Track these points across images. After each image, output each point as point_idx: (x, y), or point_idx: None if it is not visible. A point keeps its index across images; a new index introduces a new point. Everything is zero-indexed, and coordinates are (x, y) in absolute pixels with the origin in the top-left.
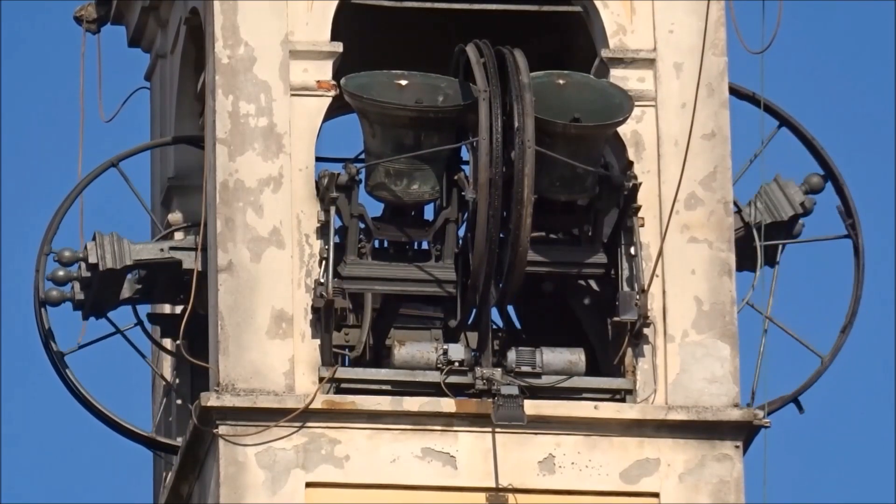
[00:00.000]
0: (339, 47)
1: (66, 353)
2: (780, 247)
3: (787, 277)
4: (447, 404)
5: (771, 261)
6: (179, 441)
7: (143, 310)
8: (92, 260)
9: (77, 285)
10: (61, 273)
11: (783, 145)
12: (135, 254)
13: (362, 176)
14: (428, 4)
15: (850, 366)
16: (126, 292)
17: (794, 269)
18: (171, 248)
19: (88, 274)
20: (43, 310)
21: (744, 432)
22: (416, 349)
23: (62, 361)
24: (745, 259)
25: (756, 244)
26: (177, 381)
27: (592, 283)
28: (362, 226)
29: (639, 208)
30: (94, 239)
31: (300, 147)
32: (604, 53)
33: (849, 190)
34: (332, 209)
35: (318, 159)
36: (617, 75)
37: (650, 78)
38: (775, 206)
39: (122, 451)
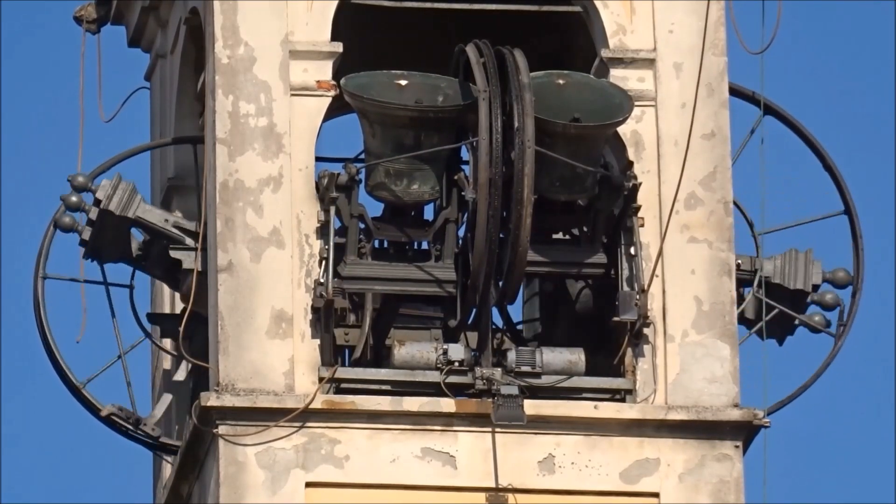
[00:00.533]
0: (339, 47)
1: (46, 277)
2: (775, 311)
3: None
4: (447, 404)
5: (764, 315)
6: (110, 406)
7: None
8: (99, 195)
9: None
10: (74, 199)
11: (783, 144)
12: (141, 211)
13: (362, 176)
14: (428, 4)
15: (850, 366)
16: (133, 251)
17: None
18: (175, 226)
19: (97, 209)
20: (51, 229)
21: (744, 432)
22: (416, 349)
23: (40, 281)
24: (750, 312)
25: (753, 292)
26: (179, 371)
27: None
28: (362, 226)
29: (639, 208)
30: (112, 179)
31: (300, 147)
32: (604, 53)
33: (860, 300)
34: (332, 209)
35: (318, 159)
36: (617, 75)
37: (650, 78)
38: (789, 274)
39: (122, 451)
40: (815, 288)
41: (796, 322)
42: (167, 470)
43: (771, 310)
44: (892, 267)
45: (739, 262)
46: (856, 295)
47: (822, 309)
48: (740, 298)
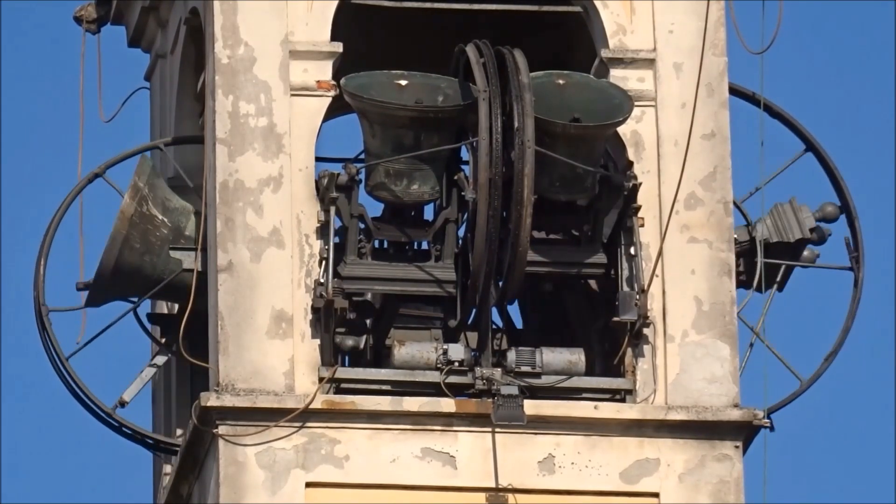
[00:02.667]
0: (339, 47)
1: (50, 310)
2: (783, 268)
3: (787, 298)
4: (447, 404)
5: (770, 280)
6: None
7: None
8: None
9: None
10: None
11: (783, 146)
12: None
13: (362, 176)
14: (428, 4)
15: (850, 366)
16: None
17: (796, 291)
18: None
19: None
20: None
21: (743, 432)
22: (416, 349)
23: (47, 318)
24: (749, 275)
25: (758, 260)
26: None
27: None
28: (362, 226)
29: (639, 208)
30: None
31: (300, 147)
32: (604, 53)
33: (860, 224)
34: (332, 209)
35: (318, 159)
36: (617, 75)
37: (650, 78)
38: (784, 227)
39: (122, 451)
40: (813, 231)
41: (799, 265)
42: (167, 470)
43: (775, 270)
44: (892, 269)
45: (736, 235)
46: (854, 222)
47: (814, 245)
48: (754, 272)
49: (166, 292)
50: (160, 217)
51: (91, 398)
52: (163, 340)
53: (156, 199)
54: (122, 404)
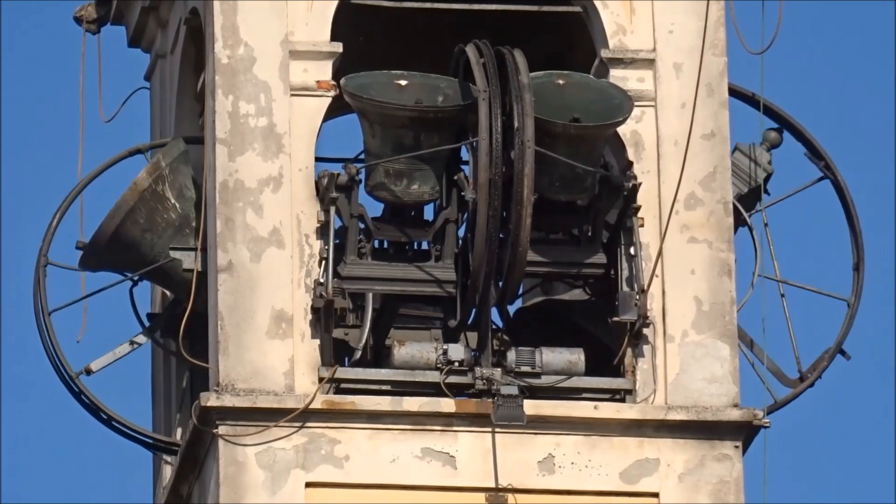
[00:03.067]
0: (339, 47)
1: (49, 263)
2: (764, 210)
3: (774, 239)
4: (447, 404)
5: (757, 227)
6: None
7: None
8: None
9: None
10: None
11: (783, 148)
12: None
13: (362, 176)
14: (428, 4)
15: (850, 365)
16: None
17: (777, 228)
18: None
19: None
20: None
21: (743, 432)
22: (415, 349)
23: (42, 270)
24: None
25: (745, 216)
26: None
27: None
28: (362, 226)
29: (638, 208)
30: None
31: (300, 147)
32: (603, 53)
33: (811, 133)
34: (332, 209)
35: (317, 159)
36: (617, 75)
37: (650, 78)
38: (747, 174)
39: (122, 451)
40: (770, 163)
41: (781, 199)
42: (167, 470)
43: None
44: (892, 276)
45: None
46: (804, 134)
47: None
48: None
49: (164, 281)
50: (172, 201)
51: (59, 358)
52: (147, 323)
53: (174, 182)
54: (88, 372)
